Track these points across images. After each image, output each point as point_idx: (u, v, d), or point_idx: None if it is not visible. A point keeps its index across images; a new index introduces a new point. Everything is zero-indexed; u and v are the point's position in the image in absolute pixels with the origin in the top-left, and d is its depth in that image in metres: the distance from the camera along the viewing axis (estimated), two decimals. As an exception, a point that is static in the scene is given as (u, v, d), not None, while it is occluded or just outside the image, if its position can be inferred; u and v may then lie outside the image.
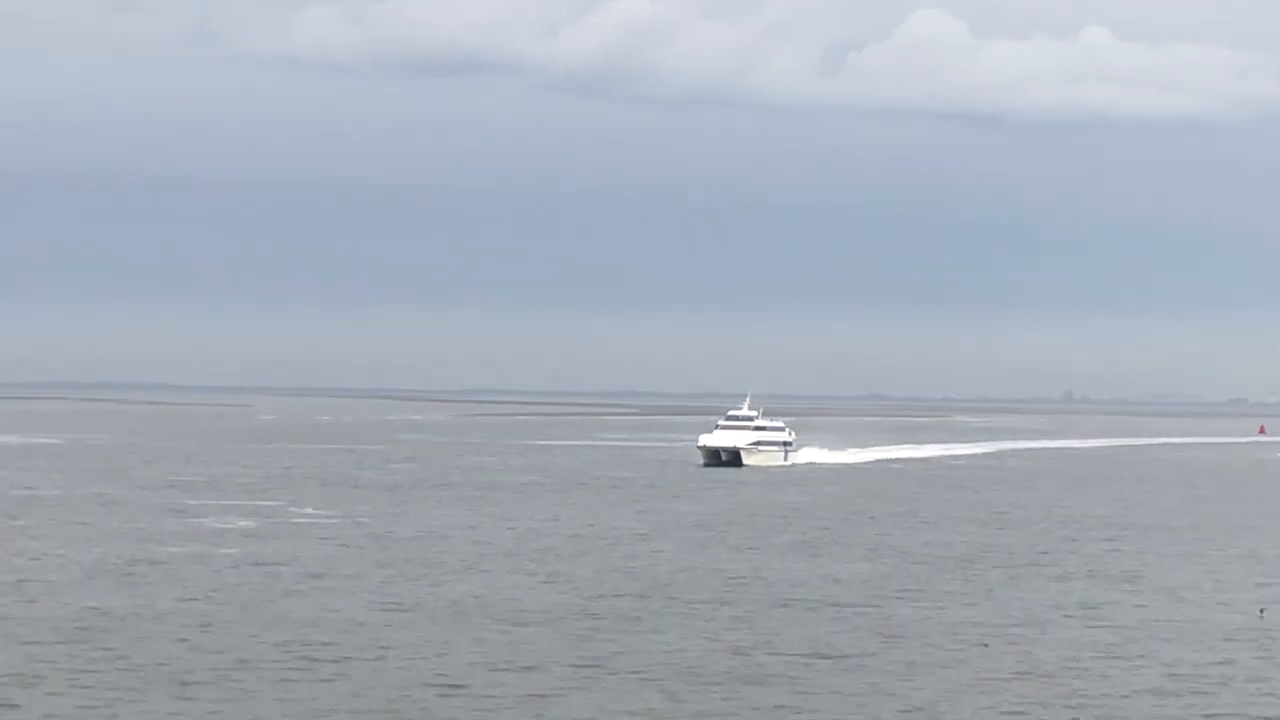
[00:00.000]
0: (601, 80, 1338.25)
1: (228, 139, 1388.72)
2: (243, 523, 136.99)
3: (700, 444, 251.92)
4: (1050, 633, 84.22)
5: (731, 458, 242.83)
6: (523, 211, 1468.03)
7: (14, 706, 62.85)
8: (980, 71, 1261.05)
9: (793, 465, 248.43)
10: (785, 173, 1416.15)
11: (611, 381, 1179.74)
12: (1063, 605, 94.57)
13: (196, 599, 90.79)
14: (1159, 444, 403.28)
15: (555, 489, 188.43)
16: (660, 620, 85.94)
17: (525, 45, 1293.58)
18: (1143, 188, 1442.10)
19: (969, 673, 72.61)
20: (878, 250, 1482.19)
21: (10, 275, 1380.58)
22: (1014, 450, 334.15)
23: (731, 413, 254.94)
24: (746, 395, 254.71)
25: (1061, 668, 74.21)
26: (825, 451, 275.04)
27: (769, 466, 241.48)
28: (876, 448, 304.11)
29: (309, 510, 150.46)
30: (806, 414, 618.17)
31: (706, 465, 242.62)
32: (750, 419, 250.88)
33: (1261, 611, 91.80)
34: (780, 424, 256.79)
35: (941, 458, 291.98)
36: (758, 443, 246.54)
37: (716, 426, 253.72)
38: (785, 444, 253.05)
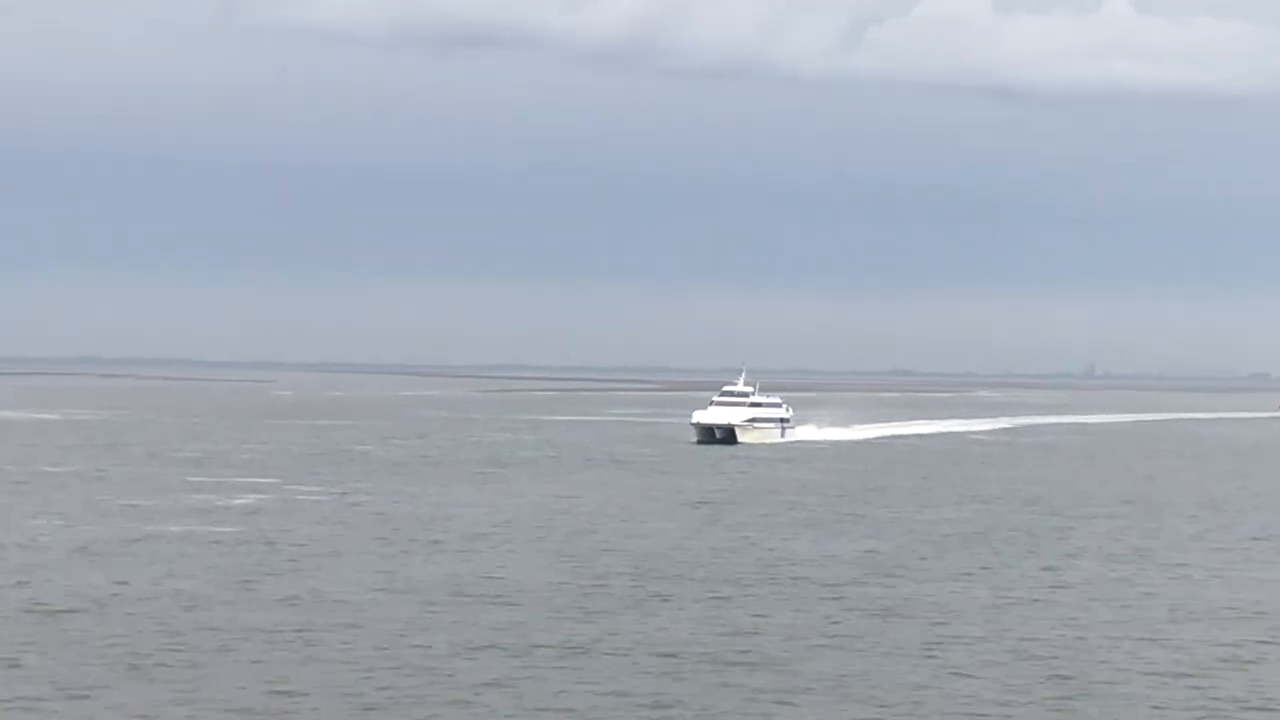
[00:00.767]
0: (624, 54, 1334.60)
1: (248, 113, 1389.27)
2: (240, 500, 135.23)
3: (693, 421, 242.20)
4: (1051, 612, 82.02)
5: (726, 435, 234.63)
6: (545, 186, 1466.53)
7: (-22, 690, 61.03)
8: (1002, 46, 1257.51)
9: (790, 442, 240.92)
10: (807, 147, 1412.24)
11: (635, 357, 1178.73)
12: (1068, 584, 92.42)
13: (179, 578, 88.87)
14: (1178, 419, 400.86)
15: (563, 465, 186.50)
16: (652, 601, 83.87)
17: (549, 18, 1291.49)
18: (1166, 163, 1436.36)
19: (964, 654, 70.43)
20: (901, 225, 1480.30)
21: (32, 251, 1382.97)
22: (1030, 425, 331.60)
23: (726, 388, 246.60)
24: (742, 370, 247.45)
25: (1061, 648, 72.01)
26: (828, 428, 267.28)
27: (765, 444, 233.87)
28: (885, 424, 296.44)
29: (309, 488, 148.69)
30: (827, 389, 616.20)
31: (700, 443, 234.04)
32: (746, 395, 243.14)
33: None
34: (777, 400, 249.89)
35: (954, 433, 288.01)
36: (753, 419, 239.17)
37: (711, 403, 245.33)
38: (782, 420, 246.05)
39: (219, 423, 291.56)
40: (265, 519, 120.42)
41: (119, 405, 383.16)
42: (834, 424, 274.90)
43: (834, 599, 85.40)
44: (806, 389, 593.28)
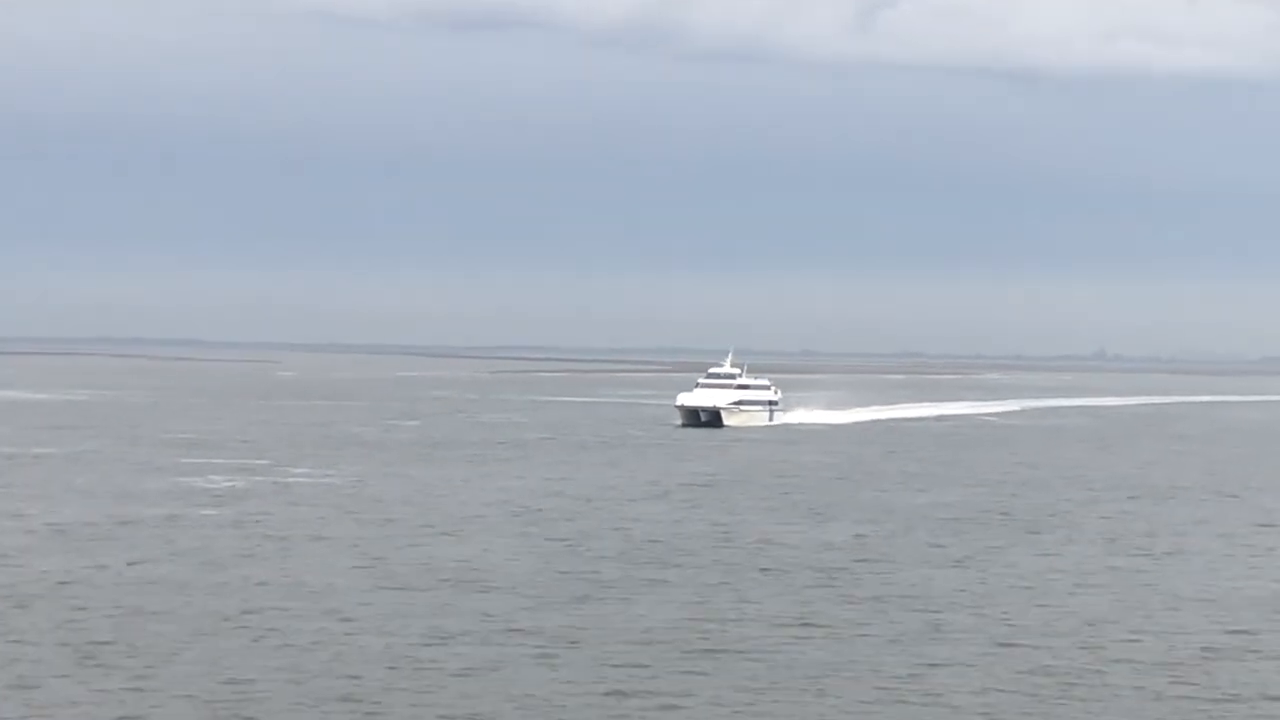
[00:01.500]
0: (636, 36, 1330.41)
1: (263, 92, 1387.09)
2: (229, 482, 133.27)
3: (678, 403, 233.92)
4: (1042, 601, 79.76)
5: (711, 418, 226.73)
6: (559, 167, 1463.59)
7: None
8: (1016, 28, 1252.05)
9: (779, 425, 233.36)
10: (818, 129, 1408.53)
11: (646, 339, 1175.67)
12: (1061, 571, 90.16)
13: (157, 561, 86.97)
14: (1187, 402, 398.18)
15: (559, 448, 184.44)
16: (636, 587, 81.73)
17: (561, 0, 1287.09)
18: (1180, 144, 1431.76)
19: (949, 645, 68.18)
20: (913, 208, 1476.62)
21: (47, 232, 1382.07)
22: (1037, 408, 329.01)
23: (712, 370, 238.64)
24: (729, 351, 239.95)
25: (1049, 638, 69.79)
26: (821, 411, 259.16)
27: (752, 427, 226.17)
28: (883, 407, 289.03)
29: (301, 470, 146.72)
30: (834, 371, 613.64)
31: (684, 425, 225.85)
32: (732, 377, 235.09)
33: None
34: (765, 382, 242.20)
35: (958, 416, 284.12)
36: (739, 402, 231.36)
37: (696, 384, 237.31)
38: (770, 403, 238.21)
39: (219, 402, 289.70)
40: (251, 502, 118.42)
41: (123, 385, 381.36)
42: (829, 407, 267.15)
43: (820, 586, 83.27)
44: (814, 371, 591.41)
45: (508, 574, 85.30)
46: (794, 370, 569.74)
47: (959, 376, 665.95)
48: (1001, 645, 68.54)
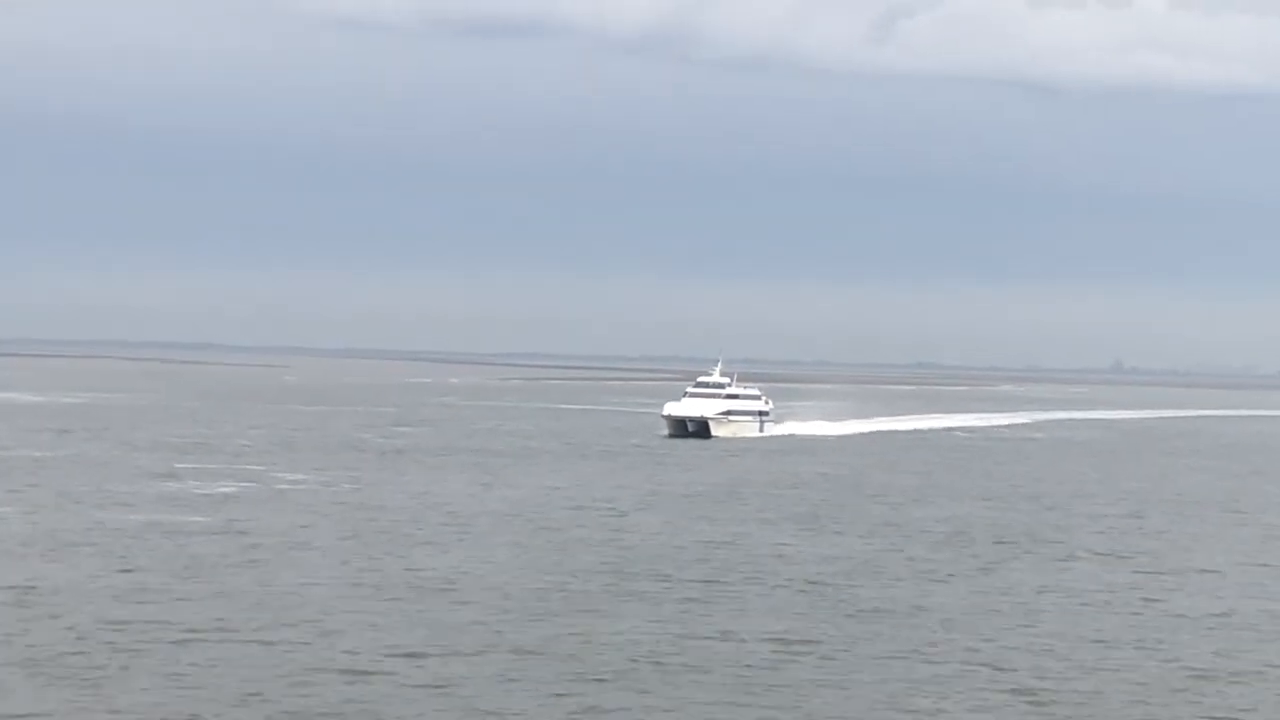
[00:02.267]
0: (653, 43, 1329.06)
1: (277, 97, 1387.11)
2: (221, 488, 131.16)
3: (665, 413, 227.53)
4: (1038, 620, 77.38)
5: (699, 428, 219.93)
6: (574, 174, 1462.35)
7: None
8: (1033, 39, 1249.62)
9: (770, 436, 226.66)
10: (834, 139, 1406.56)
11: (659, 346, 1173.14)
12: (1060, 589, 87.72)
13: (135, 570, 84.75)
14: (1202, 416, 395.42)
15: (559, 456, 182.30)
16: (620, 601, 79.40)
17: (577, 7, 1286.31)
18: (1197, 157, 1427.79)
19: (938, 666, 65.78)
20: (929, 218, 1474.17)
21: (62, 234, 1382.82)
22: (1048, 421, 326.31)
23: (701, 379, 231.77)
24: (719, 360, 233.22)
25: (1043, 659, 67.43)
26: (816, 422, 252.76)
27: (741, 438, 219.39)
28: (883, 418, 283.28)
29: (296, 476, 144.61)
30: (846, 381, 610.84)
31: (671, 436, 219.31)
32: (721, 386, 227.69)
33: None
34: (756, 391, 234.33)
35: (963, 428, 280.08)
36: (728, 412, 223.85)
37: (685, 394, 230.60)
38: (761, 414, 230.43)
39: (221, 406, 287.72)
40: (239, 508, 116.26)
41: (129, 388, 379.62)
42: (826, 417, 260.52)
43: (807, 602, 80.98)
44: (823, 380, 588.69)
45: (488, 585, 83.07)
46: (804, 380, 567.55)
47: (969, 388, 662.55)
48: (989, 666, 66.20)
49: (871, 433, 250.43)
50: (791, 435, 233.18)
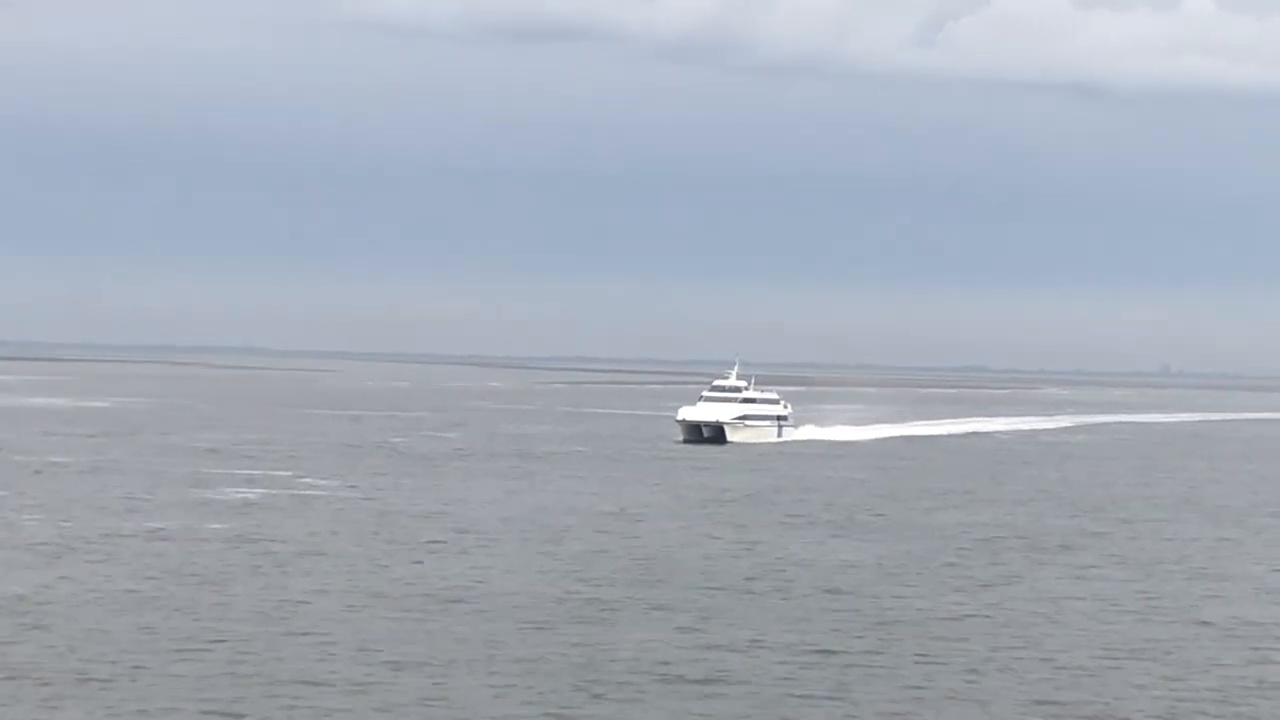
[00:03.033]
0: (698, 48, 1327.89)
1: (321, 104, 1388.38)
2: (244, 494, 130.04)
3: (679, 418, 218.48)
4: (1060, 630, 75.45)
5: (714, 434, 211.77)
6: (619, 179, 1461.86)
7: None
8: (1081, 43, 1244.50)
9: (788, 442, 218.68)
10: (882, 142, 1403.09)
11: (700, 350, 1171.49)
12: (1086, 597, 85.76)
13: (151, 578, 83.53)
14: (1247, 419, 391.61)
15: (588, 462, 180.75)
16: (637, 611, 77.70)
17: (623, 12, 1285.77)
18: (1246, 160, 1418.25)
19: (955, 676, 63.98)
20: (979, 222, 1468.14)
21: (112, 238, 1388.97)
22: (1091, 425, 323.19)
23: (717, 382, 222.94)
24: (735, 363, 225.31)
25: (1062, 670, 65.61)
26: (838, 427, 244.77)
27: (758, 444, 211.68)
28: (917, 422, 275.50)
29: (321, 481, 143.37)
30: (884, 385, 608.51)
31: (686, 441, 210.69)
32: (738, 390, 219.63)
33: None
34: (774, 395, 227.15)
35: (1002, 432, 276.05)
36: (744, 417, 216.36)
37: (700, 398, 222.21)
38: (779, 418, 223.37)
39: (254, 412, 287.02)
40: (261, 514, 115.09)
41: (170, 394, 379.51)
42: (850, 422, 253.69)
43: (825, 609, 79.25)
44: (861, 384, 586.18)
45: (503, 594, 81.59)
46: (843, 383, 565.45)
47: (1013, 391, 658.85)
48: (1011, 673, 64.41)
49: (899, 437, 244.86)
50: (811, 440, 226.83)
